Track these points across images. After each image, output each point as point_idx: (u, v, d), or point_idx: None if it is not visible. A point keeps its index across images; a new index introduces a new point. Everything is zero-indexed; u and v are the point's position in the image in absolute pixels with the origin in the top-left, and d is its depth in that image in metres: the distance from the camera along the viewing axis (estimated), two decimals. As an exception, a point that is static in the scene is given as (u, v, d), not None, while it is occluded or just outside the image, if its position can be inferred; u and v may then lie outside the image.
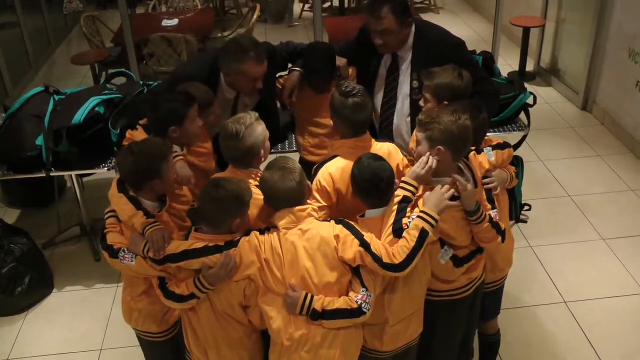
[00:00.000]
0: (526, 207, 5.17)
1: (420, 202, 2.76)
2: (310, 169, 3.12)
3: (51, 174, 4.34)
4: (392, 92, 3.77)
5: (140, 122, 3.44)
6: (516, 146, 4.74)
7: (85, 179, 5.19)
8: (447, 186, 2.73)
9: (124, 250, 2.80)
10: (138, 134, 3.35)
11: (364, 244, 2.62)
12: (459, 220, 2.84)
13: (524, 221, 5.11)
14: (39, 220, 5.31)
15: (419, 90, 3.58)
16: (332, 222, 2.72)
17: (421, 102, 3.35)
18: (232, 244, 2.68)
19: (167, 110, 3.17)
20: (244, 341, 2.84)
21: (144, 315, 3.02)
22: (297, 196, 2.71)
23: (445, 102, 3.22)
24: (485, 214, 2.83)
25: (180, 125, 3.18)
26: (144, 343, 3.20)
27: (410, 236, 2.61)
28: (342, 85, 3.07)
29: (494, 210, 2.95)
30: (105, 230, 2.91)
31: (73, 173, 4.57)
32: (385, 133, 3.83)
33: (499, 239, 2.89)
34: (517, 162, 4.88)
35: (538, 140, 6.15)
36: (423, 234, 2.61)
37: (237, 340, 2.82)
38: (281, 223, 2.68)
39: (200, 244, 2.68)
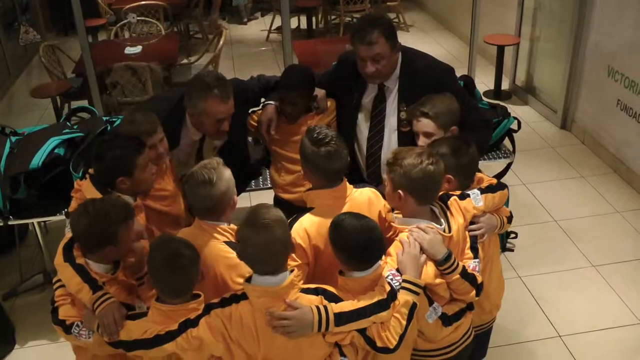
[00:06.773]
0: (512, 235, 4.97)
1: (391, 250, 2.58)
2: (285, 207, 2.83)
3: (9, 222, 4.04)
4: (378, 125, 3.54)
5: (90, 170, 3.05)
6: (501, 174, 4.55)
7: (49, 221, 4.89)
8: (414, 242, 2.54)
9: (78, 325, 2.52)
10: (86, 186, 2.97)
11: (360, 330, 2.40)
12: (436, 270, 2.62)
13: (511, 250, 4.90)
14: (-1, 269, 4.97)
15: (407, 122, 3.39)
16: (320, 298, 2.42)
17: (421, 142, 3.18)
18: (189, 324, 2.37)
19: (112, 159, 2.83)
20: None
21: None
22: (275, 261, 2.36)
23: (454, 128, 3.15)
24: (458, 265, 2.60)
25: (130, 176, 2.86)
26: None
27: (401, 315, 2.43)
28: (313, 132, 2.77)
29: (475, 261, 2.72)
30: (55, 304, 2.61)
31: (34, 221, 4.27)
32: (372, 169, 3.59)
33: (473, 292, 2.66)
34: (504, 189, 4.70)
35: (519, 162, 5.88)
36: (412, 308, 2.45)
37: None
38: (256, 301, 2.36)
39: (151, 332, 2.38)
